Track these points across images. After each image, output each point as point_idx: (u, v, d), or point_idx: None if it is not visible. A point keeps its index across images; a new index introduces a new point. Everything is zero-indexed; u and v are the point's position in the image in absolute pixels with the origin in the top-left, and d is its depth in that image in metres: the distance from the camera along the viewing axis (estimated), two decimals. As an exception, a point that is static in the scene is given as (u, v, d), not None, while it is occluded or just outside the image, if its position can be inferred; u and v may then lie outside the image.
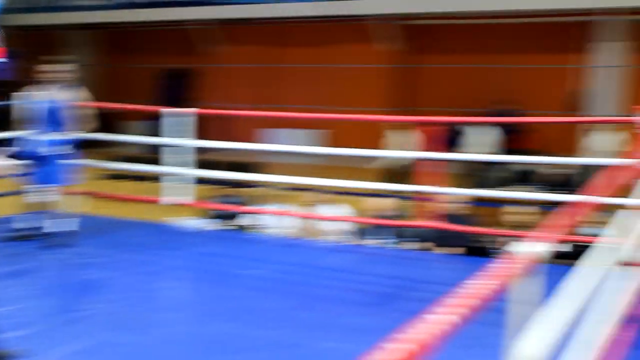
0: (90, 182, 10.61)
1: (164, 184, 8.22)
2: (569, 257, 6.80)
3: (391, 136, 13.33)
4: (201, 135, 8.60)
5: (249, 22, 23.15)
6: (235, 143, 9.38)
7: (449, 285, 1.72)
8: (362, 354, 1.57)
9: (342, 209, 8.48)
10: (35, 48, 17.38)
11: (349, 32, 22.11)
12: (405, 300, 5.47)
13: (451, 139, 21.37)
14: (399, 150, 12.92)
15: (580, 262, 2.83)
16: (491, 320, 4.58)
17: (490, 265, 1.91)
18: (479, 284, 1.80)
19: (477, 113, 20.28)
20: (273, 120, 23.12)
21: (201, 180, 11.84)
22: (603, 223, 7.00)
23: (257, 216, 8.51)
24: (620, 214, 3.92)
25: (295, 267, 6.36)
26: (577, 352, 2.75)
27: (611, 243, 3.17)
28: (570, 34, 20.58)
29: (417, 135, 12.84)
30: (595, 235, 6.83)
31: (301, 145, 14.72)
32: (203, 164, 11.21)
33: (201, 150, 8.74)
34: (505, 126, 21.16)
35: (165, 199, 8.06)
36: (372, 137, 19.25)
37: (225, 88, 24.46)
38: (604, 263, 2.83)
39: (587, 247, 6.28)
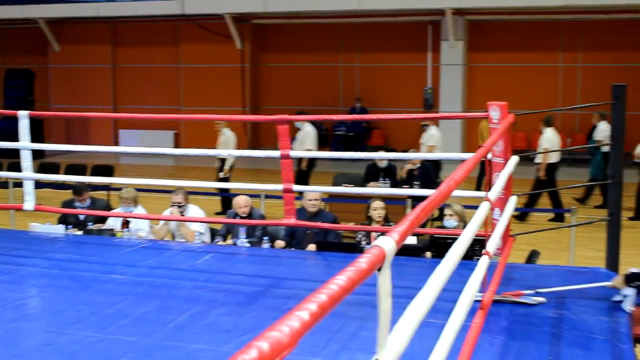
0: None
1: (24, 190, 7.93)
2: (428, 249, 7.07)
3: (226, 134, 13.31)
4: (54, 139, 8.36)
5: (93, 20, 22.61)
6: (87, 146, 9.13)
7: (314, 281, 1.76)
8: (232, 353, 1.60)
9: (201, 211, 8.45)
10: None
11: (197, 31, 21.96)
12: (272, 298, 5.52)
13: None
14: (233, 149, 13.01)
15: (439, 254, 2.96)
16: (360, 314, 4.75)
17: (353, 260, 1.96)
18: (342, 279, 1.84)
19: (331, 111, 20.73)
20: (131, 122, 22.77)
21: (62, 185, 11.50)
22: (460, 216, 7.32)
23: (121, 220, 8.35)
24: (478, 207, 4.11)
25: (159, 270, 6.30)
26: (435, 339, 2.87)
27: (469, 235, 3.32)
28: (419, 34, 21.25)
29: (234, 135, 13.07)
30: (453, 228, 7.14)
31: (157, 146, 14.48)
32: (66, 169, 10.90)
33: (60, 154, 8.50)
34: (360, 123, 21.67)
35: (25, 205, 7.78)
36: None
37: (71, 89, 23.80)
38: (461, 254, 2.97)
39: (446, 239, 6.58)
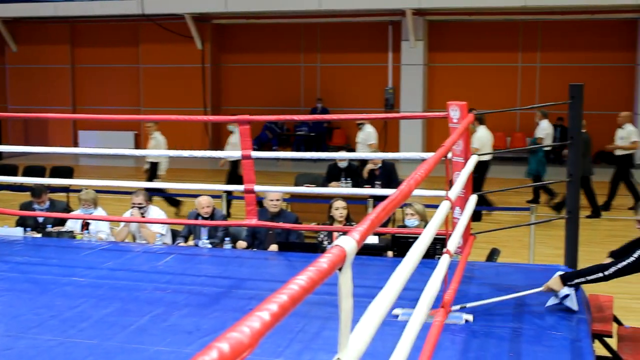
0: None
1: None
2: (390, 248, 7.10)
3: (157, 138, 13.24)
4: (12, 140, 8.27)
5: (51, 20, 22.37)
6: (46, 147, 9.05)
7: (276, 282, 1.75)
8: (194, 355, 1.59)
9: (162, 212, 8.41)
10: None
11: (157, 31, 21.83)
12: (234, 299, 5.50)
13: (267, 138, 21.66)
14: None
15: (401, 253, 2.98)
16: (323, 314, 4.76)
17: (315, 259, 1.96)
18: (302, 279, 1.84)
19: (292, 111, 20.72)
20: (91, 123, 22.55)
21: (21, 187, 11.35)
22: (422, 215, 7.36)
23: (80, 222, 8.27)
24: (439, 206, 4.15)
25: (120, 272, 6.24)
26: (397, 338, 2.88)
27: (430, 234, 3.35)
28: (380, 34, 21.34)
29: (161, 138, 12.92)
30: (414, 227, 7.18)
31: (118, 147, 14.35)
32: (24, 171, 10.73)
33: (18, 155, 8.42)
34: (321, 124, 21.70)
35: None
36: (189, 137, 19.17)
37: (31, 89, 23.52)
38: (421, 253, 2.99)
39: (407, 238, 6.62)
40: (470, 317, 4.87)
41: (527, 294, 5.15)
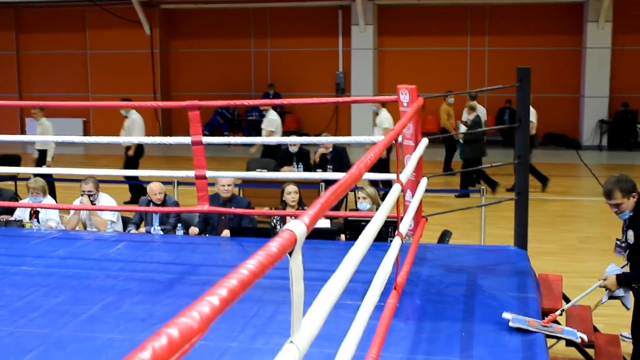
0: None
1: None
2: (342, 232, 7.13)
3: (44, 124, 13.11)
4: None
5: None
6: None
7: (230, 267, 1.75)
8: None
9: (109, 198, 8.30)
10: None
11: (105, 16, 21.54)
12: (187, 286, 5.47)
13: (219, 124, 21.56)
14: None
15: (353, 236, 2.99)
16: (276, 299, 4.77)
17: (266, 243, 1.96)
18: (252, 263, 1.84)
19: (243, 96, 20.63)
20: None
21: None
22: (373, 198, 7.40)
23: (29, 210, 8.14)
24: (391, 189, 4.18)
25: (70, 261, 6.17)
26: (350, 321, 2.91)
27: (381, 217, 3.37)
28: (330, 18, 21.33)
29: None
30: (366, 210, 7.21)
31: (66, 134, 14.15)
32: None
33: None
34: (274, 109, 21.64)
35: None
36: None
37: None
38: (373, 235, 3.01)
39: (359, 221, 6.65)
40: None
41: (589, 291, 5.20)
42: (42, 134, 12.83)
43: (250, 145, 13.37)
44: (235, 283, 1.73)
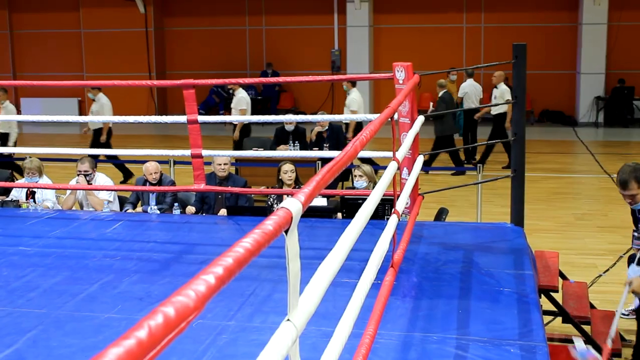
0: None
1: None
2: (339, 210, 7.14)
3: (7, 107, 13.04)
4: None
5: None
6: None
7: (227, 246, 1.75)
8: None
9: (106, 178, 8.29)
10: None
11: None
12: (185, 265, 5.48)
13: (214, 102, 21.50)
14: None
15: (350, 215, 2.99)
16: (273, 277, 4.78)
17: (262, 222, 1.96)
18: (248, 241, 1.84)
19: (239, 75, 20.55)
20: (33, 90, 22.06)
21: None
22: (370, 176, 7.40)
23: (25, 191, 8.13)
24: (387, 167, 4.18)
25: (67, 240, 6.17)
26: (348, 299, 2.91)
27: (378, 195, 3.37)
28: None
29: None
30: (363, 188, 7.22)
31: (61, 114, 14.11)
32: None
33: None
34: (268, 87, 21.60)
35: None
36: (132, 103, 18.93)
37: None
38: (369, 213, 3.01)
39: (356, 199, 6.65)
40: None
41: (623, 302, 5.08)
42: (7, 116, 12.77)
43: (243, 125, 13.28)
44: (231, 261, 1.72)
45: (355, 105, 12.72)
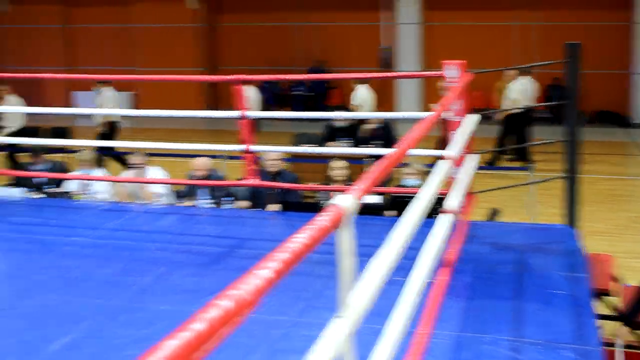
0: None
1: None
2: (391, 208, 7.11)
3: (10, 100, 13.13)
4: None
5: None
6: (44, 108, 8.98)
7: (278, 241, 1.75)
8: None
9: (161, 171, 8.38)
10: None
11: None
12: (236, 259, 5.50)
13: (272, 98, 21.57)
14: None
15: (403, 212, 2.97)
16: (325, 273, 4.78)
17: (314, 219, 1.96)
18: (303, 236, 1.84)
19: (290, 71, 20.60)
20: (85, 83, 22.36)
21: (19, 148, 11.28)
22: (421, 174, 7.36)
23: (79, 182, 8.25)
24: (438, 165, 4.15)
25: (121, 232, 6.24)
26: (399, 299, 2.90)
27: (430, 193, 3.34)
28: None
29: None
30: (415, 186, 7.18)
31: (113, 107, 14.29)
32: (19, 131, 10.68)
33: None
34: (318, 83, 21.60)
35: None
36: (184, 97, 19.09)
37: (21, 50, 23.30)
38: (422, 211, 2.99)
39: (407, 197, 6.61)
40: None
41: None
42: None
43: (299, 119, 13.43)
44: (288, 255, 1.73)
45: (359, 101, 12.77)
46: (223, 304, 1.46)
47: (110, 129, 13.58)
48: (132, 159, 8.12)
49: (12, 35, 23.49)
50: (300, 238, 1.82)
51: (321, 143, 11.59)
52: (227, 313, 1.44)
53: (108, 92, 13.53)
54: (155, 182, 8.02)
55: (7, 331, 4.24)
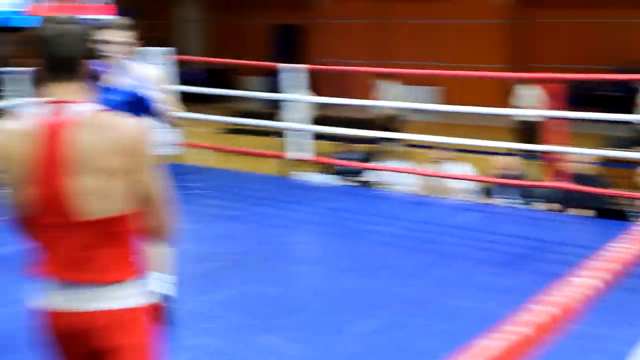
0: (209, 136, 10.87)
1: (285, 139, 8.35)
2: None
3: (520, 92, 13.04)
4: (315, 92, 8.72)
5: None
6: (354, 100, 9.39)
7: (583, 248, 1.70)
8: (500, 314, 1.56)
9: (466, 168, 8.38)
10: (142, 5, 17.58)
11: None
12: (539, 262, 5.38)
13: (579, 98, 20.73)
14: (526, 108, 12.63)
15: None
16: (633, 286, 4.51)
17: (629, 228, 1.86)
18: (620, 248, 1.76)
19: (601, 70, 19.63)
20: (387, 77, 22.87)
21: (321, 136, 11.93)
22: None
23: (381, 173, 8.52)
24: None
25: (423, 225, 6.35)
26: None
27: None
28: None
29: (542, 93, 12.57)
30: None
31: (417, 102, 14.57)
32: (321, 120, 11.27)
33: (318, 106, 8.86)
34: (629, 85, 20.35)
35: (289, 154, 8.17)
36: (488, 94, 18.94)
37: (335, 44, 24.30)
38: None
39: None
40: None
41: None
42: None
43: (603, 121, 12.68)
44: (617, 265, 1.67)
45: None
46: (547, 309, 1.44)
47: (388, 122, 13.93)
48: (436, 154, 8.19)
49: (329, 29, 24.58)
50: (627, 248, 1.75)
51: (630, 147, 10.96)
52: (554, 319, 1.42)
53: (394, 87, 13.89)
54: (457, 178, 8.02)
55: (327, 309, 4.48)
